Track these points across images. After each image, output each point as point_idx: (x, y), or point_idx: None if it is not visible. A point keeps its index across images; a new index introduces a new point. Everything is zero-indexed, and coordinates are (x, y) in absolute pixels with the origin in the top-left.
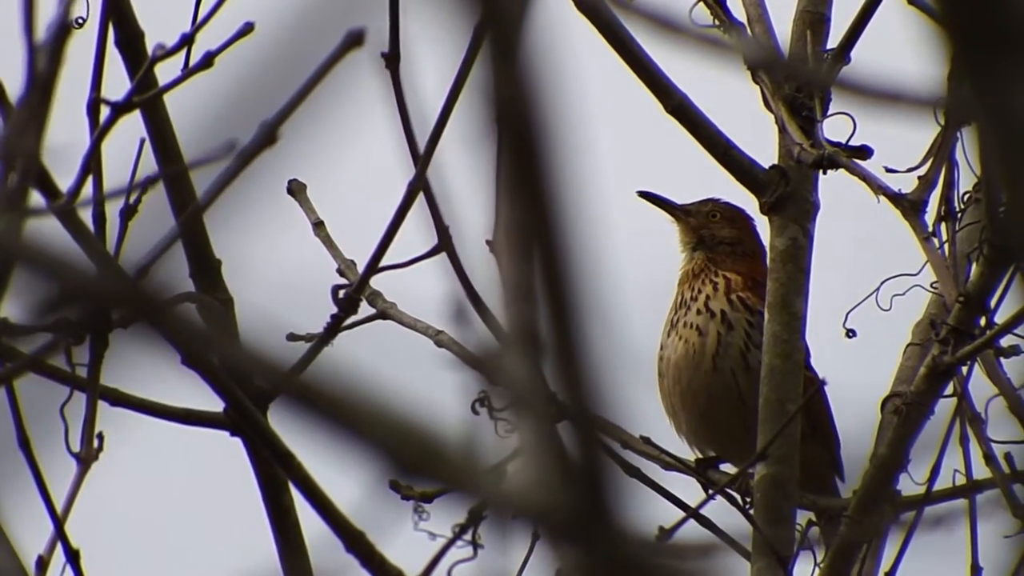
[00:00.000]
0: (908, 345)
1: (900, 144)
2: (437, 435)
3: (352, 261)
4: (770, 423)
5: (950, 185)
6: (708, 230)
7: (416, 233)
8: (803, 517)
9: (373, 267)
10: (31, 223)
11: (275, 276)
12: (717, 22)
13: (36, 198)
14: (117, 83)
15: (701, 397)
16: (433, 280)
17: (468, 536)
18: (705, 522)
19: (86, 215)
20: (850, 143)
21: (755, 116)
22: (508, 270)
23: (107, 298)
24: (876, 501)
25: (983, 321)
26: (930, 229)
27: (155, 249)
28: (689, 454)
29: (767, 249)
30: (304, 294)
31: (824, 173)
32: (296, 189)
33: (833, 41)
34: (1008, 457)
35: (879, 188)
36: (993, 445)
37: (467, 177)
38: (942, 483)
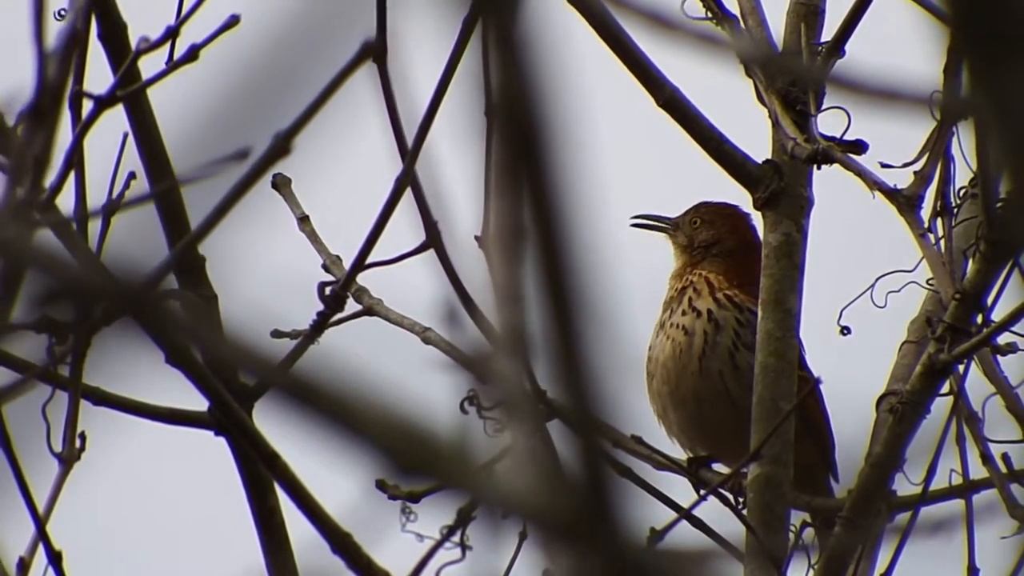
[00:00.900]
0: (904, 343)
1: (895, 139)
2: (429, 432)
3: (338, 257)
4: (764, 422)
5: (946, 180)
6: (691, 239)
7: (404, 229)
8: (797, 518)
9: (360, 263)
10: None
11: (260, 272)
12: (710, 15)
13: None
14: (100, 77)
15: (690, 400)
16: (421, 277)
17: (456, 538)
18: (698, 523)
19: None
20: (845, 138)
21: (749, 110)
22: (498, 268)
23: (92, 294)
24: (871, 501)
25: (980, 318)
26: (926, 225)
27: (164, 263)
28: (681, 454)
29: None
30: (290, 290)
31: (818, 168)
32: (281, 183)
33: (828, 34)
34: (1005, 457)
35: (874, 183)
36: (990, 445)
37: (456, 172)
38: (938, 483)
